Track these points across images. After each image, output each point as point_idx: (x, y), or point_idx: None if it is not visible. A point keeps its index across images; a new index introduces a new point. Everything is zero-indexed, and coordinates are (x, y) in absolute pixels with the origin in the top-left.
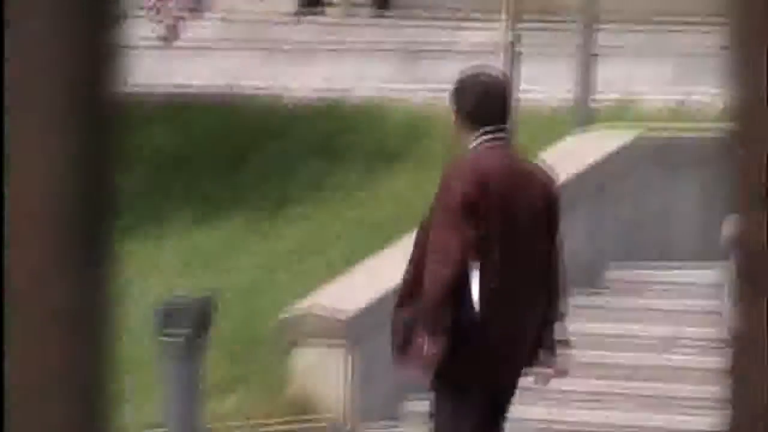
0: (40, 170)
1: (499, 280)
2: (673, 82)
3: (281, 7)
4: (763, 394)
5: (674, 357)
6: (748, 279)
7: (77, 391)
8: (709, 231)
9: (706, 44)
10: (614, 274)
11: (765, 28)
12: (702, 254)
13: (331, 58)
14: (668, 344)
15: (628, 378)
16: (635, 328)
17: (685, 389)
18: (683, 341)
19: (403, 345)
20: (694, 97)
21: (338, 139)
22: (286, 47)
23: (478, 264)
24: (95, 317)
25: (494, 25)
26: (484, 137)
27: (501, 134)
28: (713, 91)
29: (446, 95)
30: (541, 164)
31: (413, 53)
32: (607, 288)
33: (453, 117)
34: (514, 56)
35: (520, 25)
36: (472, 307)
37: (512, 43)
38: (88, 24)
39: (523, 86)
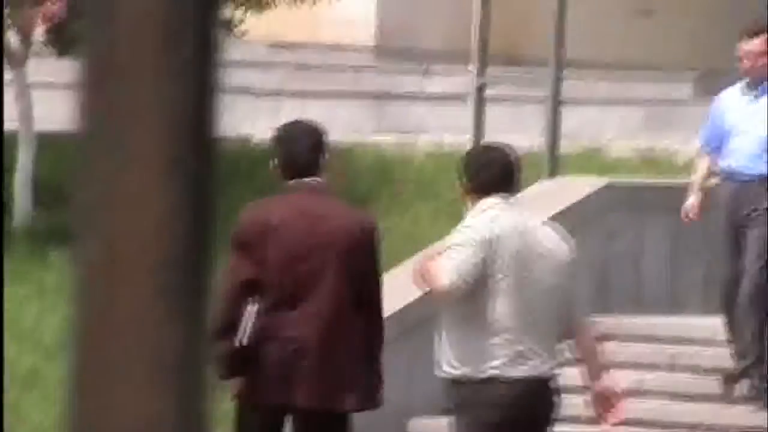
0: (147, 213)
1: (278, 316)
2: (642, 129)
3: (253, 50)
4: None
5: (641, 406)
6: None
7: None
8: (677, 277)
9: (673, 93)
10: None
11: None
12: (671, 300)
13: (303, 101)
14: (634, 392)
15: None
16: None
17: None
18: (649, 389)
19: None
20: (663, 145)
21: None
22: (256, 90)
23: (256, 299)
24: (196, 360)
25: (464, 71)
26: (292, 183)
27: (311, 180)
28: (681, 139)
29: (415, 139)
30: (354, 208)
31: (383, 98)
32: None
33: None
34: (482, 103)
35: (488, 72)
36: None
37: (480, 90)
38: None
39: (491, 133)
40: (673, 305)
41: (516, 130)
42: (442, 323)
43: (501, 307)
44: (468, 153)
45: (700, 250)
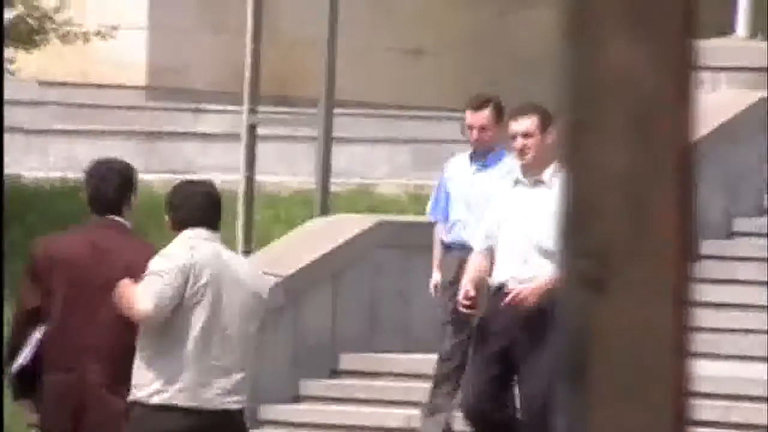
0: None
1: (59, 345)
2: (411, 168)
3: (24, 88)
4: None
5: None
6: None
7: None
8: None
9: (440, 132)
10: (350, 359)
11: None
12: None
13: (73, 140)
14: (404, 429)
15: None
16: (368, 413)
17: None
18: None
19: None
20: (431, 183)
21: (79, 219)
22: (26, 129)
23: (43, 326)
24: None
25: (235, 111)
26: (94, 218)
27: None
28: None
29: (186, 178)
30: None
31: (153, 137)
32: (345, 372)
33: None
34: (253, 142)
35: (260, 111)
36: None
37: (251, 129)
38: None
39: (264, 171)
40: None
41: (288, 168)
42: (138, 345)
43: (191, 333)
44: (173, 188)
45: None
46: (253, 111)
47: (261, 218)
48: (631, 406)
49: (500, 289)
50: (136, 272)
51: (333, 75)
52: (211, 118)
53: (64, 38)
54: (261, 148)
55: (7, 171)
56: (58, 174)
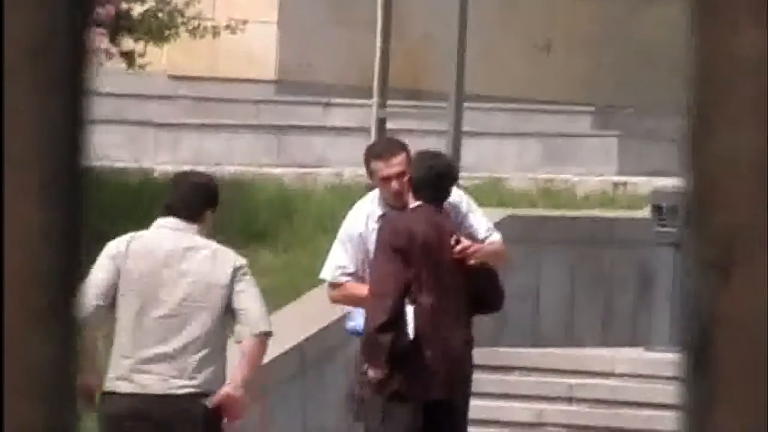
0: (17, 234)
1: (427, 315)
2: (540, 163)
3: (154, 82)
4: None
5: None
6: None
7: None
8: (577, 312)
9: (572, 126)
10: (480, 353)
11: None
12: (568, 333)
13: (199, 133)
14: (532, 425)
15: None
16: (499, 407)
17: None
18: (547, 422)
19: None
20: (561, 178)
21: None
22: (156, 123)
23: (410, 300)
24: (66, 379)
25: (365, 105)
26: (420, 203)
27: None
28: (581, 172)
29: (315, 172)
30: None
31: (283, 130)
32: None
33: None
34: (383, 134)
35: (390, 104)
36: (405, 334)
37: (382, 122)
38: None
39: None
40: (571, 338)
41: None
42: None
43: (126, 321)
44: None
45: (597, 283)
46: (382, 105)
47: None
48: (755, 393)
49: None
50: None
51: (462, 68)
52: (340, 111)
53: (194, 33)
54: None
55: (138, 165)
56: (188, 168)
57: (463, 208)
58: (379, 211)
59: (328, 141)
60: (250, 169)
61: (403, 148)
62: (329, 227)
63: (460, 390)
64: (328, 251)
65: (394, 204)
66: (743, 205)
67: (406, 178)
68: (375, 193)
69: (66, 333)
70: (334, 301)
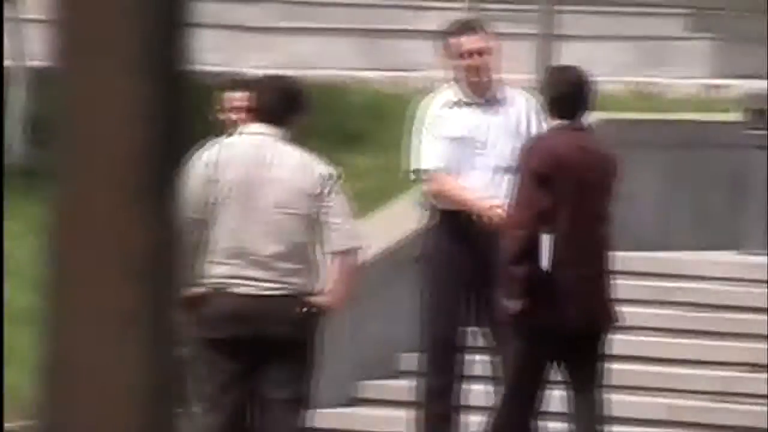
0: (116, 113)
1: (565, 243)
2: (634, 65)
3: None
4: None
5: (632, 340)
6: None
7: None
8: (671, 216)
9: (665, 29)
10: None
11: None
12: (663, 239)
13: (291, 37)
14: (627, 328)
15: None
16: None
17: (642, 370)
18: (640, 326)
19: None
20: (655, 81)
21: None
22: (246, 25)
23: (548, 229)
24: (168, 256)
25: (456, 6)
26: (561, 122)
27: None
28: (674, 75)
29: (408, 76)
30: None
31: (375, 34)
32: None
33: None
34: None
35: (481, 8)
36: (542, 266)
37: None
38: None
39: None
40: (666, 241)
41: (510, 65)
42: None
43: (222, 228)
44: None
45: (691, 186)
46: (473, 8)
47: None
48: None
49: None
50: (613, 171)
51: None
52: (431, 14)
53: None
54: None
55: (229, 69)
56: (280, 72)
57: (532, 117)
58: (454, 98)
59: (420, 44)
60: (343, 72)
61: (483, 26)
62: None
63: (601, 322)
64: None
65: (470, 84)
66: None
67: (489, 58)
68: (451, 83)
69: (164, 215)
70: (434, 194)
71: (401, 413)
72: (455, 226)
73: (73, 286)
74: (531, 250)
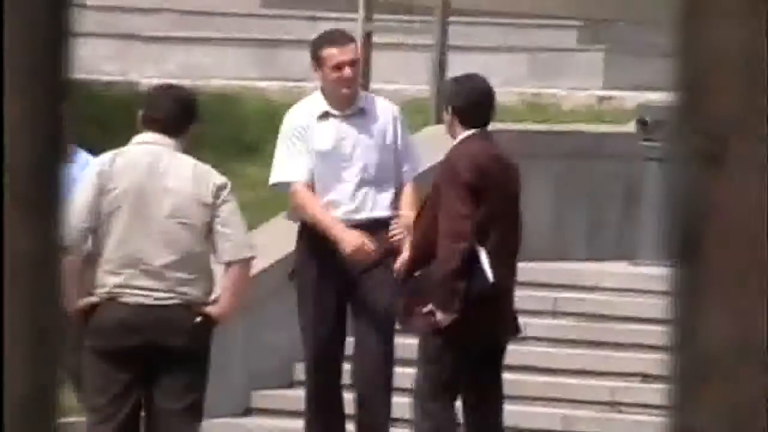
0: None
1: (495, 255)
2: (527, 77)
3: None
4: None
5: (523, 351)
6: None
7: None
8: (560, 225)
9: (559, 40)
10: None
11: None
12: (554, 249)
13: (186, 46)
14: (517, 338)
15: None
16: None
17: (531, 381)
18: (532, 335)
19: (409, 308)
20: (547, 93)
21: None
22: (143, 36)
23: (481, 241)
24: (50, 267)
25: (351, 19)
26: (473, 131)
27: (483, 129)
28: (567, 86)
29: (302, 86)
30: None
31: (270, 44)
32: None
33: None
34: (369, 50)
35: (376, 18)
36: (483, 278)
37: (368, 36)
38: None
39: (379, 79)
40: (557, 252)
41: (403, 77)
42: None
43: (113, 237)
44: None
45: (583, 197)
46: (368, 19)
47: None
48: (742, 289)
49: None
50: (519, 178)
51: None
52: (326, 25)
53: None
54: (376, 56)
55: (124, 78)
56: (174, 82)
57: (398, 127)
58: (320, 109)
59: None
60: (237, 83)
61: (354, 40)
62: None
63: (510, 333)
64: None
65: (340, 96)
66: (734, 95)
67: (357, 70)
68: (316, 94)
69: (46, 226)
70: (296, 208)
71: (296, 423)
72: (321, 238)
73: None
74: (471, 263)
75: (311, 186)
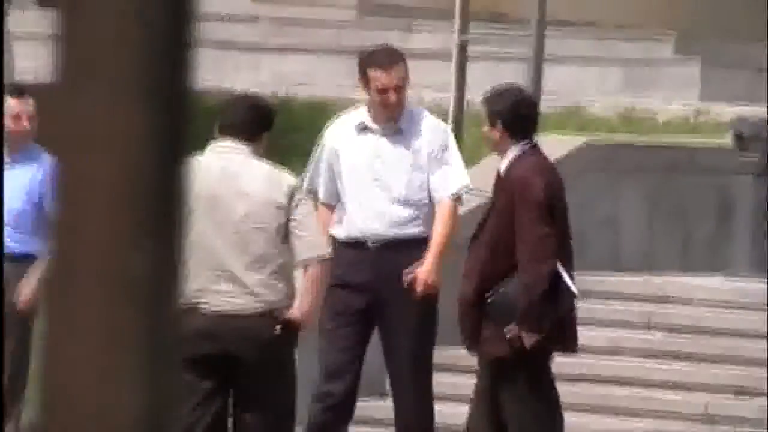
0: (118, 144)
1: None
2: (621, 89)
3: (237, 3)
4: None
5: (617, 364)
6: None
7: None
8: (654, 239)
9: (654, 52)
10: None
11: None
12: (647, 262)
13: (281, 55)
14: (610, 351)
15: (572, 383)
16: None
17: (629, 395)
18: (626, 348)
19: (477, 332)
20: (642, 105)
21: (285, 138)
22: (238, 44)
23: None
24: (167, 287)
25: (446, 28)
26: (525, 145)
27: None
28: (660, 98)
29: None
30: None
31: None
32: None
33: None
34: (464, 60)
35: (471, 29)
36: (569, 293)
37: (463, 48)
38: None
39: (474, 89)
40: (650, 265)
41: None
42: None
43: (192, 241)
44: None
45: (677, 210)
46: (463, 29)
47: (470, 137)
48: None
49: (359, 243)
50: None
51: None
52: (421, 36)
53: None
54: (471, 67)
55: (218, 86)
56: (268, 91)
57: (440, 146)
58: (360, 123)
59: (409, 65)
60: (330, 92)
61: (403, 58)
62: None
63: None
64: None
65: (382, 118)
66: None
67: (403, 93)
68: (362, 108)
69: (165, 239)
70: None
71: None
72: (347, 252)
73: (72, 309)
74: (556, 282)
75: (328, 205)
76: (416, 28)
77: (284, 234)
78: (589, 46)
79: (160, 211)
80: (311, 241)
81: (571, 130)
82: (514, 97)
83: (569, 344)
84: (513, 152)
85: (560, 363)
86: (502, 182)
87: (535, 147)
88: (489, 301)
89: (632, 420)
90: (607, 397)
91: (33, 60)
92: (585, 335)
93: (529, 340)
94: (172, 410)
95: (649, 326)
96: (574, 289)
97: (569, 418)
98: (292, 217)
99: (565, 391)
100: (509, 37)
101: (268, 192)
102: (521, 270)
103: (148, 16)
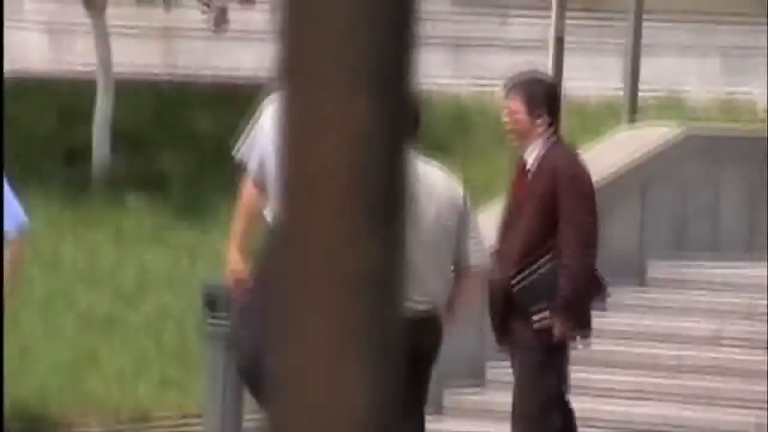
0: (342, 131)
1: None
2: (721, 77)
3: None
4: None
5: (719, 354)
6: None
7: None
8: (755, 227)
9: (753, 41)
10: (660, 269)
11: None
12: (749, 250)
13: None
14: (713, 341)
15: (671, 374)
16: (680, 325)
17: (729, 387)
18: (727, 339)
19: (506, 321)
20: (741, 93)
21: None
22: None
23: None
24: (393, 280)
25: (542, 18)
26: (554, 134)
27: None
28: (761, 87)
29: (494, 87)
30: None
31: (461, 45)
32: (653, 284)
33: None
34: (560, 50)
35: (568, 18)
36: (602, 285)
37: (560, 40)
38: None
39: (570, 80)
40: (751, 255)
41: (596, 77)
42: None
43: None
44: None
45: None
46: (561, 19)
47: (568, 127)
48: None
49: None
50: None
51: None
52: (518, 26)
53: None
54: (568, 57)
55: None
56: None
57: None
58: None
59: (506, 56)
60: (426, 83)
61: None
62: (507, 143)
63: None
64: (504, 168)
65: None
66: None
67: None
68: None
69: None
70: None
71: (488, 427)
72: None
73: (299, 305)
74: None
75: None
76: (513, 17)
77: (454, 235)
78: (687, 36)
79: (390, 201)
80: (481, 248)
81: (670, 120)
82: (550, 87)
83: (585, 332)
84: (546, 141)
85: (658, 354)
86: (537, 171)
87: (561, 137)
88: (520, 286)
89: (733, 411)
90: (709, 389)
91: (129, 56)
92: (685, 324)
93: (560, 328)
94: (397, 408)
95: (750, 316)
96: (604, 281)
97: (669, 411)
98: (466, 220)
99: (663, 383)
100: (607, 26)
101: (449, 193)
102: (569, 257)
103: (377, 11)
